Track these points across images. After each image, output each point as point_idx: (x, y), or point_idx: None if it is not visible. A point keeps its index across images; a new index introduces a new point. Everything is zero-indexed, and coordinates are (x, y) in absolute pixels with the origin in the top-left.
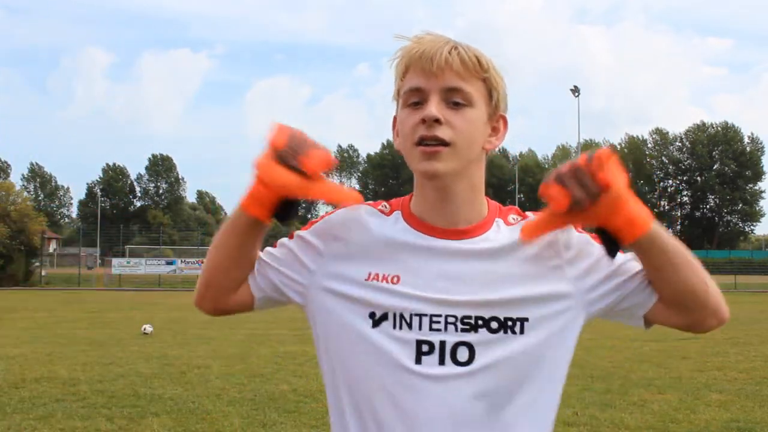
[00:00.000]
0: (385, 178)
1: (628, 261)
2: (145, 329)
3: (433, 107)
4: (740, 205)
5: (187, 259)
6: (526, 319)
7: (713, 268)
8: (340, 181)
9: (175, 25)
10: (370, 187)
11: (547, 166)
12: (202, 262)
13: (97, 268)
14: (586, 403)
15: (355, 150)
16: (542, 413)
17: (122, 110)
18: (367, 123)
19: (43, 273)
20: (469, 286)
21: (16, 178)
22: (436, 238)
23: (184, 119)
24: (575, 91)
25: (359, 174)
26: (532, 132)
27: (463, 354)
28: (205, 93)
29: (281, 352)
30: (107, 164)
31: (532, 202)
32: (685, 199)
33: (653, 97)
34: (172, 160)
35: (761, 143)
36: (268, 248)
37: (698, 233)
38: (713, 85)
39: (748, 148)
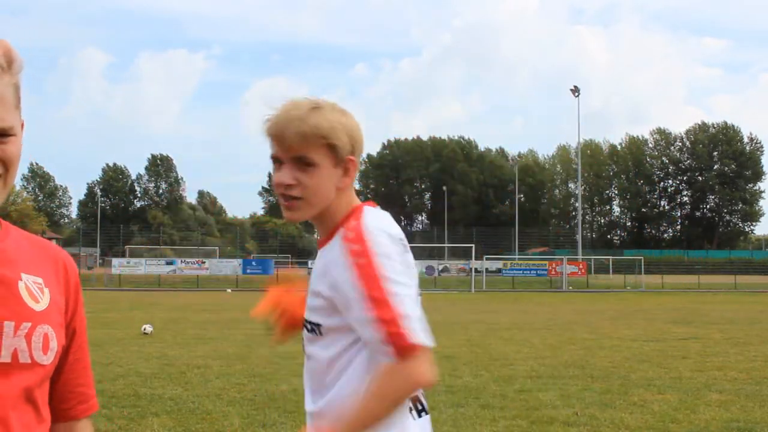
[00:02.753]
0: (385, 178)
1: None
2: (145, 329)
3: (285, 174)
4: (740, 205)
5: (187, 259)
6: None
7: (713, 268)
8: None
9: (172, 25)
10: (371, 187)
11: (547, 167)
12: (202, 262)
13: (97, 268)
14: (586, 403)
15: None
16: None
17: (121, 110)
18: (365, 123)
19: None
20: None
21: (15, 178)
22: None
23: (182, 119)
24: (575, 91)
25: (359, 174)
26: (532, 132)
27: None
28: (203, 93)
29: (281, 352)
30: (107, 164)
31: (532, 201)
32: (685, 199)
33: (650, 97)
34: (171, 160)
35: (761, 143)
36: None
37: (698, 233)
38: (710, 85)
39: (747, 148)
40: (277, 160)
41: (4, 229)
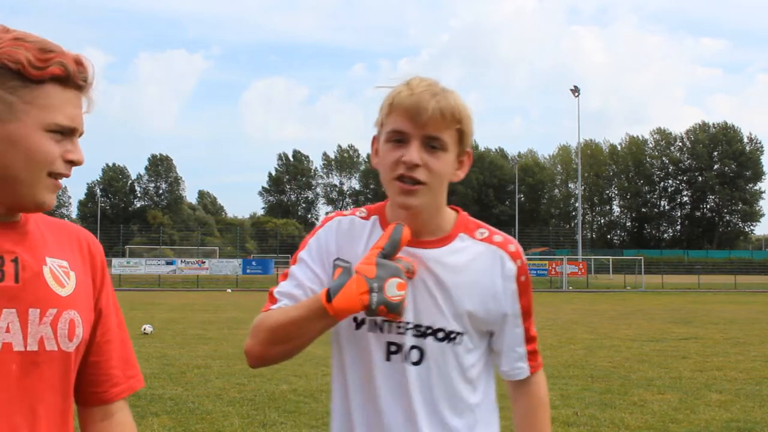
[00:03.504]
0: None
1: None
2: (145, 329)
3: (415, 153)
4: (740, 205)
5: (187, 259)
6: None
7: (713, 268)
8: (341, 182)
9: (171, 25)
10: (371, 186)
11: (547, 167)
12: (202, 262)
13: None
14: (586, 403)
15: (356, 150)
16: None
17: (120, 110)
18: (364, 123)
19: None
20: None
21: None
22: (407, 247)
23: (181, 119)
24: (575, 91)
25: (359, 174)
26: (531, 132)
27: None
28: (202, 93)
29: None
30: (107, 164)
31: (532, 202)
32: (685, 199)
33: (649, 97)
34: (171, 160)
35: (761, 143)
36: (282, 289)
37: (698, 233)
38: (709, 85)
39: (747, 148)
40: (399, 137)
41: (25, 217)
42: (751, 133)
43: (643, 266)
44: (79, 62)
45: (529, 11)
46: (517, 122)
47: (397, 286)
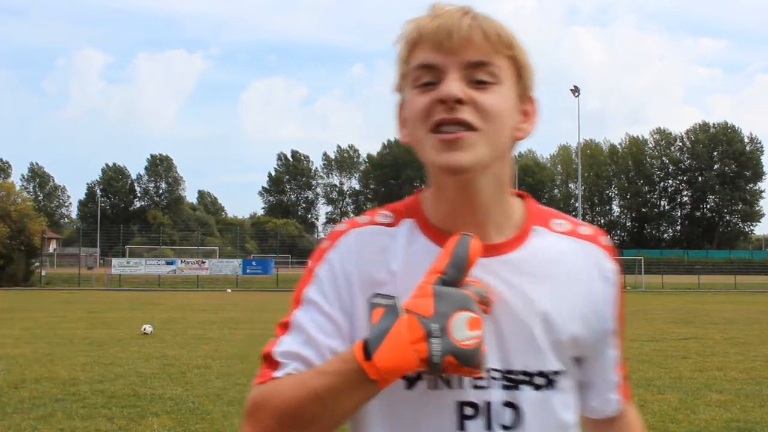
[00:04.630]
0: (385, 178)
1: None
2: (145, 329)
3: (453, 84)
4: (740, 205)
5: (187, 259)
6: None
7: (713, 268)
8: (341, 182)
9: (170, 25)
10: (371, 187)
11: (547, 167)
12: (202, 262)
13: (97, 268)
14: None
15: (356, 150)
16: None
17: (119, 110)
18: (363, 123)
19: (43, 273)
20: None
21: (15, 179)
22: None
23: (181, 119)
24: (575, 91)
25: (359, 174)
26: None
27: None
28: (201, 93)
29: (281, 352)
30: (107, 164)
31: None
32: (685, 199)
33: (648, 97)
34: (171, 160)
35: (761, 143)
36: (285, 348)
37: (698, 233)
38: (708, 85)
39: (747, 148)
40: (429, 78)
41: None
42: (751, 133)
43: (643, 266)
44: None
45: (528, 11)
46: None
47: (469, 323)
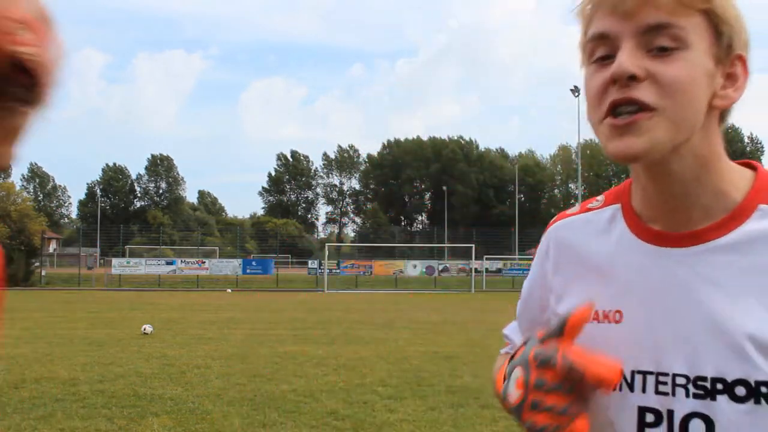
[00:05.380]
0: (385, 178)
1: None
2: (145, 329)
3: (625, 57)
4: None
5: (187, 259)
6: None
7: None
8: (341, 182)
9: (170, 25)
10: (371, 187)
11: (547, 167)
12: (202, 262)
13: (97, 268)
14: None
15: (356, 150)
16: None
17: (119, 110)
18: (363, 123)
19: (43, 273)
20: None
21: (15, 179)
22: (663, 248)
23: (181, 119)
24: (575, 90)
25: (359, 174)
26: (531, 132)
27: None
28: (200, 93)
29: (281, 353)
30: (107, 164)
31: (532, 201)
32: None
33: None
34: (171, 160)
35: (761, 143)
36: (509, 332)
37: None
38: None
39: (748, 149)
40: (604, 51)
41: None
42: (752, 134)
43: None
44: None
45: (527, 11)
46: (517, 122)
47: (516, 382)
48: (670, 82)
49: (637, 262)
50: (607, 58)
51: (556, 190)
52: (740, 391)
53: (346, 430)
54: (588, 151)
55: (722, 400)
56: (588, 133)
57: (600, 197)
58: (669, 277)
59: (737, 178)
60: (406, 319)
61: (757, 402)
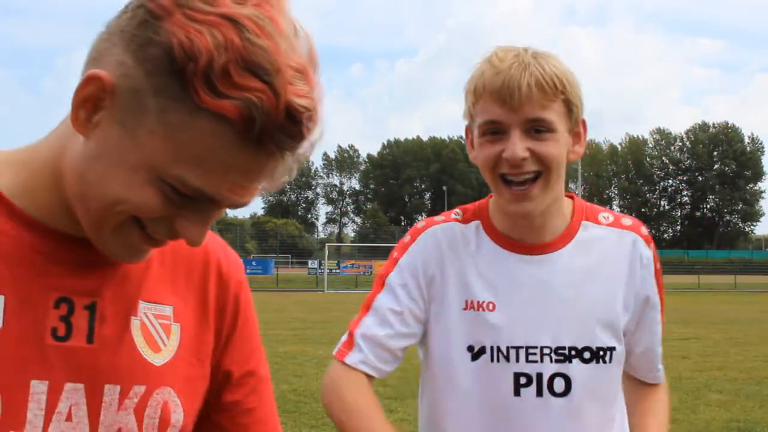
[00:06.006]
0: (385, 178)
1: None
2: None
3: (517, 146)
4: (740, 205)
5: None
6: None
7: (713, 268)
8: (341, 182)
9: None
10: (371, 187)
11: None
12: None
13: None
14: None
15: (356, 150)
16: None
17: None
18: (362, 123)
19: None
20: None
21: None
22: (524, 255)
23: None
24: None
25: (359, 174)
26: None
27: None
28: None
29: (281, 352)
30: None
31: None
32: (685, 199)
33: (647, 97)
34: None
35: (761, 143)
36: (367, 331)
37: (698, 233)
38: (705, 85)
39: (748, 149)
40: (495, 129)
41: None
42: (752, 133)
43: None
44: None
45: (526, 11)
46: None
47: None
48: (548, 157)
49: (505, 267)
50: (496, 133)
51: None
52: (586, 354)
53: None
54: (588, 151)
55: (576, 362)
56: (588, 133)
57: (458, 211)
58: (532, 277)
59: (565, 204)
60: None
61: (597, 362)
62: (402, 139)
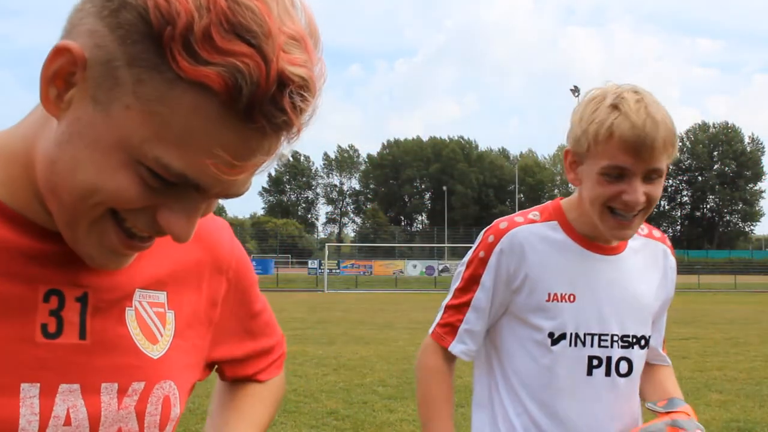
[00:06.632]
0: (385, 178)
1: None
2: None
3: (639, 193)
4: (740, 205)
5: None
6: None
7: (713, 268)
8: (341, 182)
9: None
10: (371, 186)
11: (547, 167)
12: None
13: None
14: None
15: (356, 150)
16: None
17: None
18: (362, 123)
19: None
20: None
21: None
22: (599, 255)
23: None
24: (575, 91)
25: (359, 174)
26: (531, 132)
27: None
28: None
29: None
30: None
31: (532, 201)
32: (685, 199)
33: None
34: None
35: (761, 143)
36: (469, 326)
37: (698, 233)
38: (704, 86)
39: (748, 149)
40: (619, 173)
41: None
42: (753, 134)
43: None
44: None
45: (525, 11)
46: (516, 122)
47: None
48: (654, 198)
49: (582, 263)
50: (618, 177)
51: (556, 190)
52: (642, 342)
53: (346, 430)
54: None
55: (636, 348)
56: None
57: (536, 212)
58: (606, 273)
59: None
60: (406, 319)
61: (645, 347)
62: (402, 139)
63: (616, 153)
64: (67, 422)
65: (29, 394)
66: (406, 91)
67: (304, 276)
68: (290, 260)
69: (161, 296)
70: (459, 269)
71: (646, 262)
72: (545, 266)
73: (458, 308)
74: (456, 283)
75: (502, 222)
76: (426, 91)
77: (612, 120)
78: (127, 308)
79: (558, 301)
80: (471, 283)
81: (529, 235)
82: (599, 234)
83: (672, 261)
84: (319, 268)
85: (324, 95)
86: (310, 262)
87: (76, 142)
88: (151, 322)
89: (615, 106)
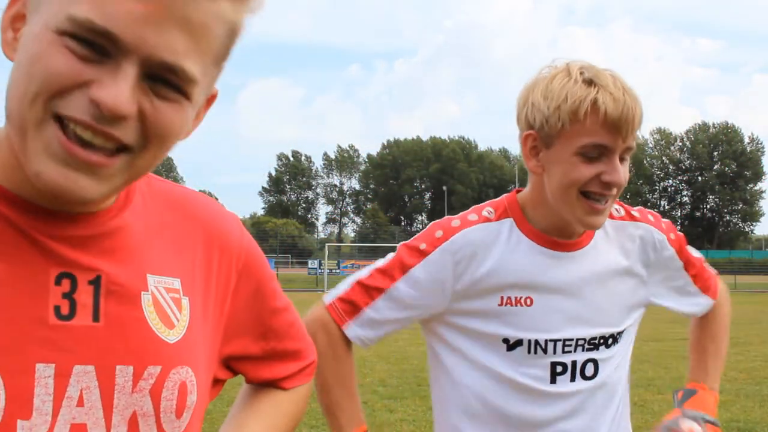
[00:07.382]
0: (385, 178)
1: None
2: None
3: (621, 173)
4: (740, 205)
5: None
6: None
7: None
8: (341, 182)
9: None
10: (371, 186)
11: None
12: None
13: None
14: None
15: (356, 150)
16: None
17: None
18: (361, 123)
19: None
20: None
21: None
22: (558, 252)
23: None
24: None
25: (359, 174)
26: None
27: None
28: None
29: None
30: None
31: None
32: (685, 199)
33: (645, 98)
34: (171, 159)
35: (762, 143)
36: (375, 315)
37: (698, 233)
38: (704, 86)
39: (748, 149)
40: (597, 153)
41: (125, 195)
42: (753, 134)
43: None
44: None
45: (524, 11)
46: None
47: None
48: (626, 181)
49: (541, 263)
50: (594, 158)
51: None
52: (610, 340)
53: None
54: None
55: (602, 348)
56: None
57: (490, 209)
58: (567, 273)
59: None
60: None
61: (614, 344)
62: (402, 139)
63: (598, 130)
64: (80, 403)
65: (44, 374)
66: (406, 91)
67: (304, 276)
68: (290, 260)
69: (176, 282)
70: (390, 254)
71: (622, 248)
72: (498, 269)
73: (369, 290)
74: (379, 264)
75: (454, 220)
76: (426, 91)
77: (594, 95)
78: (143, 292)
79: (512, 305)
80: (396, 270)
81: (481, 235)
82: (562, 227)
83: (657, 237)
84: (319, 268)
85: (324, 96)
86: (310, 262)
87: (20, 60)
88: (168, 307)
89: (590, 81)
